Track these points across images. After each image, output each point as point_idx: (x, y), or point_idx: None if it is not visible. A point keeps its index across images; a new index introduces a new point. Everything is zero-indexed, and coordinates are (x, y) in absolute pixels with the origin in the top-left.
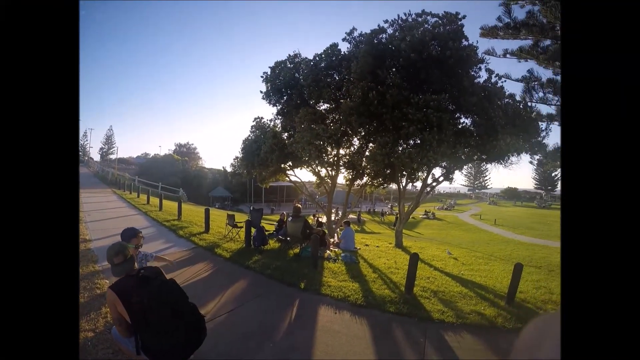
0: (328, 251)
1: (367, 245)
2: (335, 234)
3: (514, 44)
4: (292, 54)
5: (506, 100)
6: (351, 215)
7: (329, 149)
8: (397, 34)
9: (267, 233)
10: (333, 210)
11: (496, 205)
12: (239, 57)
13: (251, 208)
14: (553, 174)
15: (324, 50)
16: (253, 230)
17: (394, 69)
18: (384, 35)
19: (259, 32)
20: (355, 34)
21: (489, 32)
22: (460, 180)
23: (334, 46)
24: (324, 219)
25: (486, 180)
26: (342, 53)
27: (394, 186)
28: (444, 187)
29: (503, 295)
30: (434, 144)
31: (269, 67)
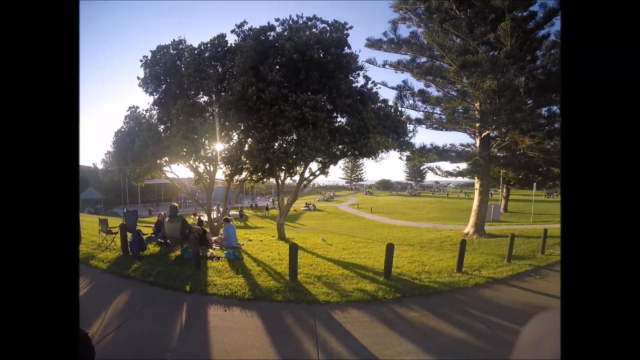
0: (210, 250)
1: (250, 240)
2: (219, 232)
3: (396, 57)
4: (177, 39)
5: (380, 104)
6: (233, 212)
7: (207, 143)
8: (285, 33)
9: (145, 237)
10: (214, 208)
11: (372, 195)
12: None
13: (124, 210)
14: (421, 167)
15: (210, 40)
16: (129, 235)
17: (277, 67)
18: (272, 33)
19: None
20: (245, 27)
21: (373, 44)
22: (339, 173)
23: (221, 37)
24: (205, 217)
25: (362, 173)
26: (228, 45)
27: (273, 180)
28: (324, 180)
29: (381, 272)
30: (308, 140)
31: (150, 50)
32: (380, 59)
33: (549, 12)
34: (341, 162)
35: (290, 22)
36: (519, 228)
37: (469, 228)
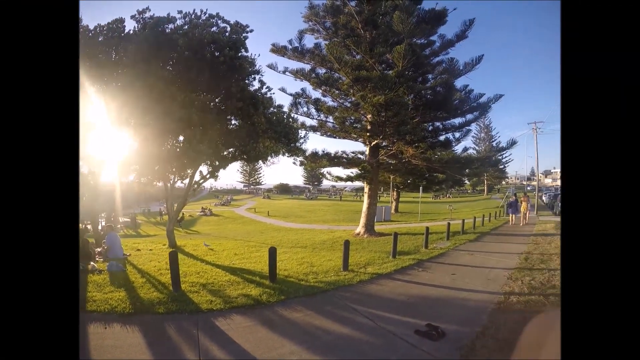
0: (92, 263)
1: (139, 250)
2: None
3: (299, 65)
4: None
5: (273, 109)
6: (124, 219)
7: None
8: (186, 27)
9: None
10: (103, 215)
11: (270, 199)
12: None
13: None
14: (318, 172)
15: (107, 24)
16: None
17: (171, 62)
18: (171, 26)
19: None
20: (147, 14)
21: (278, 50)
22: (237, 177)
23: (119, 21)
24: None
25: (261, 176)
26: (127, 31)
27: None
28: (221, 183)
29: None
30: (193, 143)
31: None
32: (284, 65)
33: (445, 44)
34: (238, 165)
35: (192, 16)
36: (407, 227)
37: (360, 228)
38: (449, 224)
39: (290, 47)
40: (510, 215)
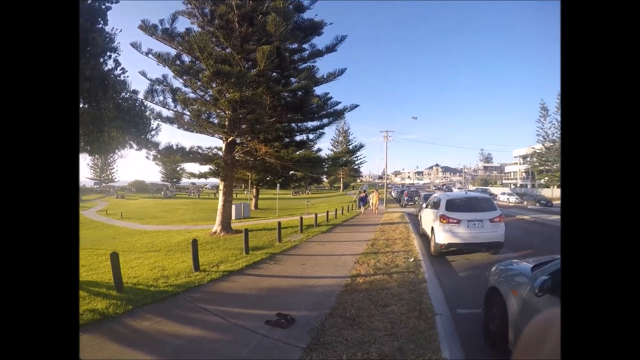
0: None
1: None
2: None
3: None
4: None
5: (126, 94)
6: None
7: None
8: None
9: None
10: None
11: (124, 199)
12: None
13: None
14: (178, 168)
15: None
16: None
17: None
18: None
19: None
20: None
21: (146, 28)
22: (85, 172)
23: None
24: None
25: (114, 172)
26: None
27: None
28: None
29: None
30: None
31: None
32: (149, 47)
33: (314, 53)
34: (89, 159)
35: None
36: (265, 222)
37: (216, 227)
38: (301, 217)
39: (161, 27)
40: (362, 207)
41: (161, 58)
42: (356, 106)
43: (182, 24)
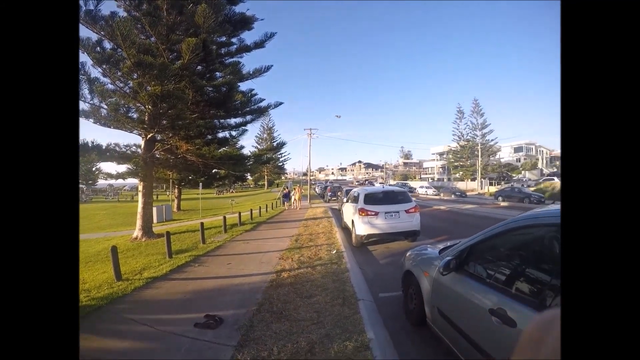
0: None
1: None
2: None
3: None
4: None
5: None
6: None
7: None
8: None
9: None
10: None
11: None
12: None
13: None
14: (94, 168)
15: None
16: None
17: None
18: None
19: None
20: None
21: None
22: None
23: None
24: None
25: None
26: None
27: None
28: None
29: None
30: None
31: None
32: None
33: (242, 48)
34: None
35: None
36: (189, 224)
37: (137, 232)
38: (224, 217)
39: (84, 8)
40: (285, 204)
41: (81, 43)
42: (280, 103)
43: (109, 7)
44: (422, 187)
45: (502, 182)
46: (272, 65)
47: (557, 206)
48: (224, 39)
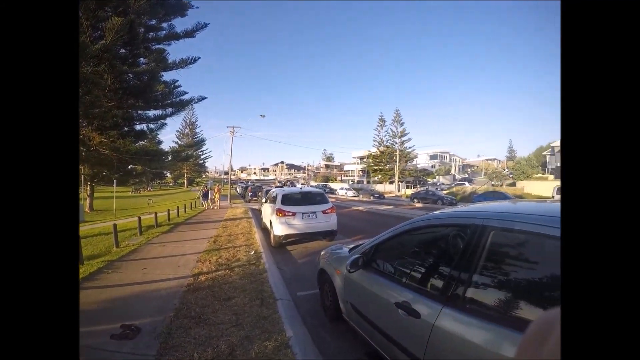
0: None
1: None
2: None
3: None
4: None
5: None
6: None
7: None
8: None
9: None
10: None
11: None
12: None
13: None
14: None
15: None
16: None
17: None
18: None
19: None
20: None
21: None
22: None
23: None
24: None
25: None
26: None
27: None
28: None
29: None
30: None
31: None
32: None
33: (171, 35)
34: None
35: None
36: (102, 226)
37: None
38: (139, 218)
39: None
40: (204, 203)
41: None
42: (204, 98)
43: None
44: (342, 188)
45: (418, 186)
46: (199, 57)
47: (461, 208)
48: (153, 22)
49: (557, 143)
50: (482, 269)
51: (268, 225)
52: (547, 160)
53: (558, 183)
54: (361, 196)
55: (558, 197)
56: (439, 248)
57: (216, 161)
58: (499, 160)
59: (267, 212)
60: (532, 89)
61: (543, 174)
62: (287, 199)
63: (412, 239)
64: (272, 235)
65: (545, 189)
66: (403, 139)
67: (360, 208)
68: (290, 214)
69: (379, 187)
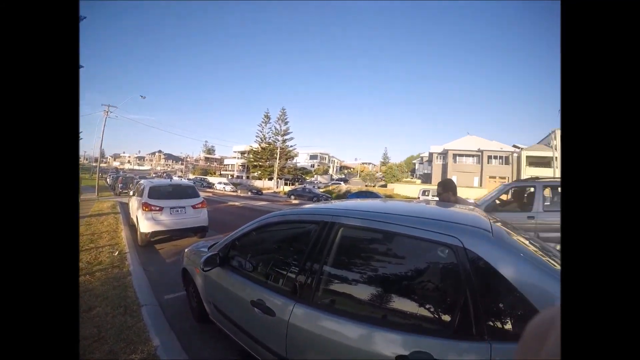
0: None
1: None
2: None
3: None
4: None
5: None
6: None
7: None
8: None
9: None
10: None
11: None
12: None
13: None
14: None
15: None
16: None
17: None
18: None
19: None
20: None
21: None
22: None
23: None
24: None
25: None
26: None
27: None
28: None
29: None
30: None
31: None
32: None
33: None
34: None
35: None
36: None
37: None
38: None
39: None
40: None
41: None
42: (79, 66)
43: None
44: (220, 183)
45: (297, 183)
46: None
47: (317, 204)
48: None
49: (426, 153)
50: (332, 265)
51: (135, 221)
52: (416, 167)
53: (424, 186)
54: (239, 191)
55: (422, 197)
56: (292, 244)
57: (86, 145)
58: (374, 165)
59: (134, 206)
60: (406, 99)
61: (411, 178)
62: (155, 192)
63: (267, 235)
64: (138, 233)
65: (412, 191)
66: (286, 137)
67: (237, 203)
68: (157, 208)
69: (258, 183)
